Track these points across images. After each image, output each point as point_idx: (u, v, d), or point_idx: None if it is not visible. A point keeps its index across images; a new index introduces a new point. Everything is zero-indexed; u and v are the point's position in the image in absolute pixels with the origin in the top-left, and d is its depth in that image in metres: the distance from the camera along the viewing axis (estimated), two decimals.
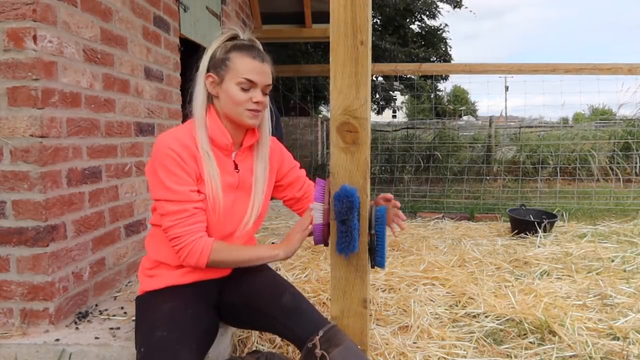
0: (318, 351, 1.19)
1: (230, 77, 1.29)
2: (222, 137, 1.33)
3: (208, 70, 1.32)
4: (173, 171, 1.24)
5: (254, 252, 1.31)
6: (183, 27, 2.75)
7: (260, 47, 1.36)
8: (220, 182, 1.32)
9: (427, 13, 10.80)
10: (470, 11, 11.02)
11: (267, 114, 1.41)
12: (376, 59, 8.87)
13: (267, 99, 1.35)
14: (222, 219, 1.34)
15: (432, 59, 10.35)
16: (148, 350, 1.12)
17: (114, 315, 1.69)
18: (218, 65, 1.31)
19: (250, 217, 1.41)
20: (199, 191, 1.29)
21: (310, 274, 2.42)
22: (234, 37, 1.36)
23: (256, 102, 1.31)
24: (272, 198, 1.55)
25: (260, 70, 1.31)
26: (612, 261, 2.76)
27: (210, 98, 1.35)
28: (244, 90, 1.30)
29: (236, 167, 1.38)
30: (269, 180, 1.46)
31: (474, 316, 2.02)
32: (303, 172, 1.58)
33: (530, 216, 3.54)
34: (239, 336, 1.70)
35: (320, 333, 1.22)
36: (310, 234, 1.38)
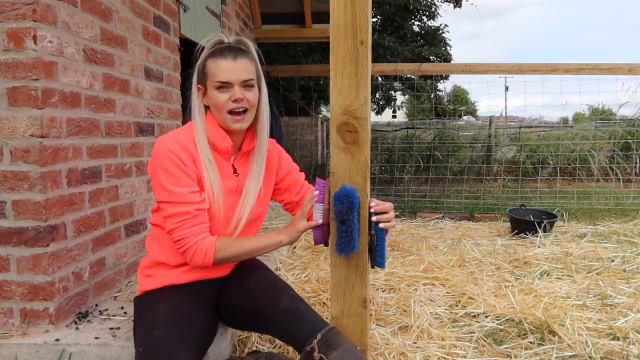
0: (316, 354, 1.18)
1: (209, 84, 1.31)
2: (222, 141, 1.33)
3: (198, 83, 1.35)
4: (172, 172, 1.25)
5: (258, 242, 1.34)
6: (183, 27, 2.75)
7: (239, 45, 1.33)
8: (221, 187, 1.33)
9: (427, 13, 10.79)
10: (472, 3, 10.94)
11: (264, 117, 1.39)
12: (376, 58, 8.87)
13: (251, 94, 1.31)
14: (221, 222, 1.35)
15: (432, 58, 10.35)
16: (146, 349, 1.13)
17: (114, 315, 1.69)
18: (200, 77, 1.33)
19: (239, 220, 1.37)
20: (201, 192, 1.30)
21: (310, 274, 2.42)
22: (219, 43, 1.34)
23: (234, 100, 1.28)
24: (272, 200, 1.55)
25: (232, 68, 1.27)
26: (612, 261, 2.75)
27: (207, 107, 1.37)
28: (222, 92, 1.28)
29: (235, 171, 1.39)
30: (266, 183, 1.45)
31: (474, 316, 2.02)
32: (302, 175, 1.56)
33: (530, 216, 3.54)
34: (239, 336, 1.70)
35: (319, 336, 1.21)
36: (310, 219, 1.38)
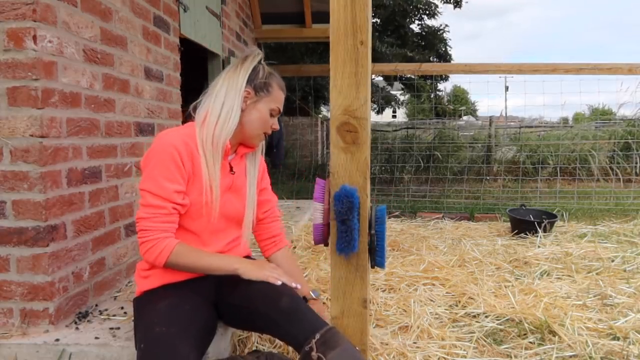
0: (314, 354, 1.18)
1: (267, 102, 1.43)
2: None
3: (252, 89, 1.41)
4: (168, 167, 1.29)
5: (214, 261, 1.35)
6: (183, 27, 2.75)
7: None
8: (220, 185, 1.37)
9: (427, 12, 10.80)
10: (466, 1, 10.87)
11: None
12: (373, 61, 8.90)
13: None
14: (215, 219, 1.39)
15: (432, 58, 10.35)
16: (148, 345, 1.13)
17: (114, 315, 1.70)
18: (260, 87, 1.42)
19: (248, 218, 1.48)
20: (184, 195, 1.33)
21: (310, 274, 2.42)
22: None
23: (272, 128, 1.48)
24: None
25: (283, 102, 1.49)
26: (612, 261, 2.75)
27: None
28: (271, 116, 1.45)
29: (231, 169, 1.45)
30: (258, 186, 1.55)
31: (474, 316, 2.02)
32: (275, 198, 1.66)
33: (530, 216, 3.54)
34: (239, 336, 1.70)
35: (317, 336, 1.21)
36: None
